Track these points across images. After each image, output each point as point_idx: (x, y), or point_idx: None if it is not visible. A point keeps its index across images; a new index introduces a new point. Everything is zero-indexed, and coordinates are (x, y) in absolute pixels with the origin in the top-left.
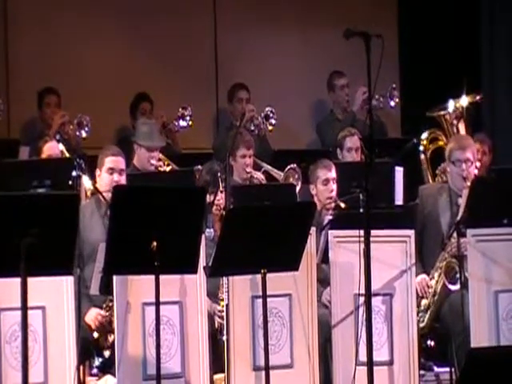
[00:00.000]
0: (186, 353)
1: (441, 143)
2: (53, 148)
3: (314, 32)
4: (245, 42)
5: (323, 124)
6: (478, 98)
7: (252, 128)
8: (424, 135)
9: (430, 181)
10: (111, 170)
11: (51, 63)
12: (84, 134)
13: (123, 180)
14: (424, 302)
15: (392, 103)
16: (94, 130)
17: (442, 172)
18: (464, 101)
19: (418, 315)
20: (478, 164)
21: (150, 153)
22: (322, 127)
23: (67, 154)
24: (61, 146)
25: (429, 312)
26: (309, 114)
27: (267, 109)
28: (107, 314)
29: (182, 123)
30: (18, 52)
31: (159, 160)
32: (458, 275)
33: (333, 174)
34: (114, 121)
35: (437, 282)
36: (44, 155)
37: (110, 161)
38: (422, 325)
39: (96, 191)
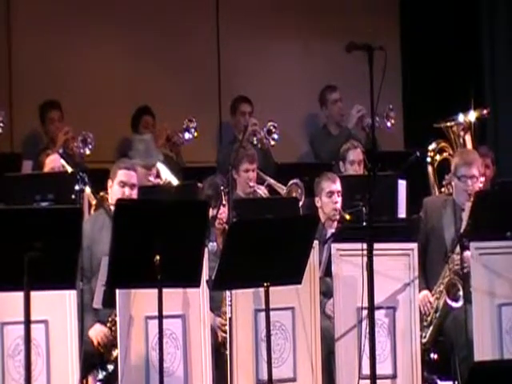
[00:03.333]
0: (189, 366)
1: (447, 155)
2: (55, 161)
3: (316, 44)
4: (247, 55)
5: (316, 138)
6: (485, 112)
7: (255, 142)
8: (431, 146)
9: (437, 193)
10: (122, 184)
11: (53, 76)
12: (88, 152)
13: (134, 194)
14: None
15: (388, 124)
16: (96, 143)
17: (448, 183)
18: (472, 116)
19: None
20: (482, 178)
21: (147, 170)
22: (315, 142)
23: (68, 168)
24: (62, 161)
25: (431, 328)
26: (313, 126)
27: (270, 123)
28: (112, 330)
29: (188, 135)
30: (20, 65)
31: (157, 176)
32: (459, 293)
33: (337, 186)
34: (115, 134)
35: (438, 298)
36: (46, 168)
37: (122, 174)
38: (424, 340)
39: (101, 207)
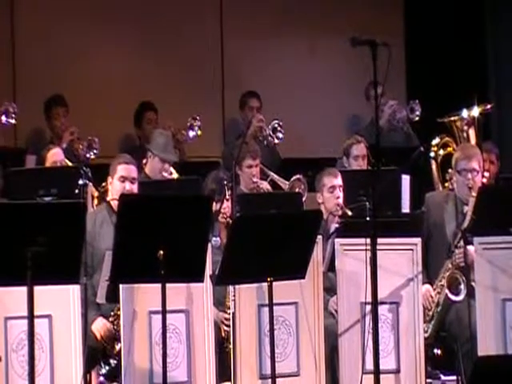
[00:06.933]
0: (193, 361)
1: (450, 149)
2: (57, 154)
3: (321, 40)
4: (251, 51)
5: (364, 132)
6: (488, 107)
7: (260, 138)
8: (435, 141)
9: (441, 188)
10: (123, 178)
11: (57, 72)
12: (92, 156)
13: (135, 188)
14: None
15: (416, 118)
16: (99, 139)
17: (451, 178)
18: (476, 111)
19: None
20: (487, 174)
21: (163, 164)
22: (364, 135)
23: (69, 163)
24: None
25: (432, 322)
26: (317, 122)
27: (274, 122)
28: (114, 324)
29: (192, 133)
30: (24, 61)
31: (171, 173)
32: (461, 286)
33: (339, 181)
34: (118, 130)
35: (440, 292)
36: (48, 162)
37: (122, 169)
38: (426, 335)
39: (103, 199)
